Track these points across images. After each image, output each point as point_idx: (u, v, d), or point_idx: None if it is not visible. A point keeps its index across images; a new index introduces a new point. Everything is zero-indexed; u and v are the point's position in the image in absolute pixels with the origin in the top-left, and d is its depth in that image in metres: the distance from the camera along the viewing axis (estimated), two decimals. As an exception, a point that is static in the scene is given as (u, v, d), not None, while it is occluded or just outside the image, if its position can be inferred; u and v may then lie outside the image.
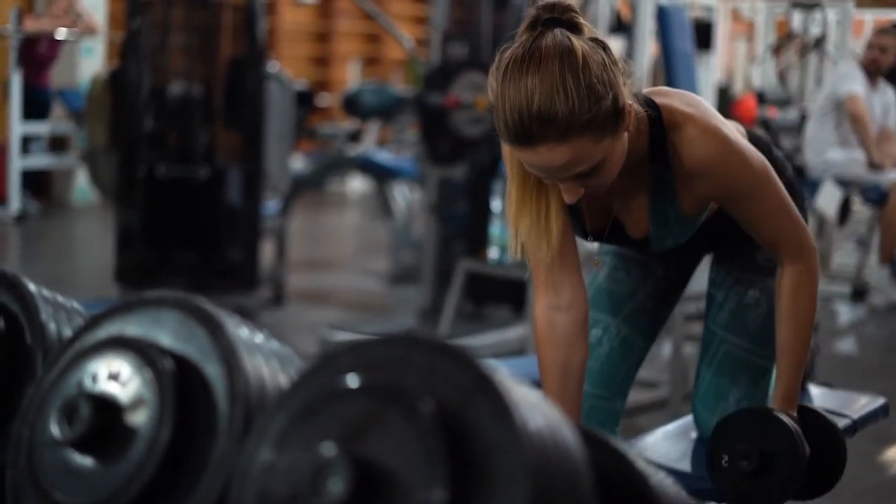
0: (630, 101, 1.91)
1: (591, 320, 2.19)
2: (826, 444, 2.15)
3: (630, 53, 6.08)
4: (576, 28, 1.87)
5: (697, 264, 2.51)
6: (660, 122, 2.01)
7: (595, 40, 1.87)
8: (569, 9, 1.88)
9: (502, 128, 1.85)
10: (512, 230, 2.08)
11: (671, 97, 2.05)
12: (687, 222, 2.14)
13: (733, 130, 2.07)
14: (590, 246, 2.28)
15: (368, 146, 8.96)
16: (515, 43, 1.87)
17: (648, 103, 2.01)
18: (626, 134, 1.93)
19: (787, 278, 2.14)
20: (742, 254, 2.36)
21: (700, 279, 2.51)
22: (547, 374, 2.12)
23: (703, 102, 2.09)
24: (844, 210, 6.93)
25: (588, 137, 1.83)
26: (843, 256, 7.89)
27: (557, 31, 1.84)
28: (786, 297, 2.14)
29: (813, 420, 2.17)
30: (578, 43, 1.83)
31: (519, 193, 2.04)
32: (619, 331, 2.38)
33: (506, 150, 2.03)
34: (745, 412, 2.18)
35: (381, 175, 7.65)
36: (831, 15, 9.78)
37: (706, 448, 2.16)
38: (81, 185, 10.19)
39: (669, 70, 6.04)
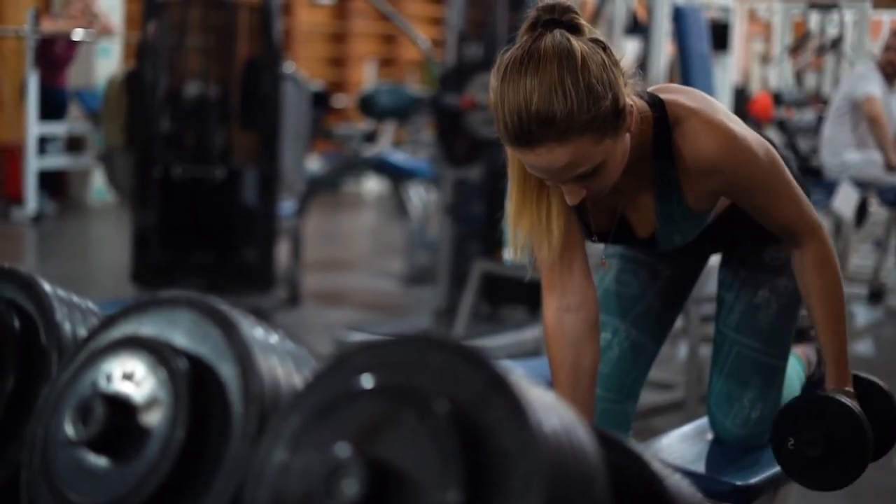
0: (631, 101, 1.90)
1: (599, 323, 2.18)
2: (883, 409, 2.21)
3: (646, 54, 6.08)
4: (576, 29, 1.86)
5: (704, 264, 2.50)
6: (664, 119, 2.00)
7: (595, 41, 1.86)
8: (568, 10, 1.87)
9: (502, 129, 1.85)
10: (512, 232, 2.07)
11: (677, 93, 2.04)
12: (694, 219, 2.13)
13: (739, 123, 2.05)
14: (597, 247, 2.27)
15: (384, 147, 8.96)
16: (515, 44, 1.87)
17: (654, 100, 2.01)
18: (627, 135, 1.92)
19: (807, 259, 2.13)
20: (750, 253, 2.36)
21: (714, 281, 2.51)
22: (558, 375, 2.11)
23: (709, 99, 2.07)
24: (861, 212, 6.89)
25: (588, 138, 1.83)
26: (861, 258, 7.86)
27: (557, 32, 1.84)
28: (811, 278, 2.14)
29: (867, 388, 2.22)
30: (577, 44, 1.82)
31: (519, 195, 2.04)
32: (629, 333, 2.37)
33: (508, 150, 2.03)
34: (806, 398, 2.20)
35: (397, 176, 7.66)
36: (848, 16, 9.75)
37: (770, 431, 2.19)
38: (98, 185, 10.22)
39: (686, 71, 6.04)
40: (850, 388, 2.16)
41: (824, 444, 2.11)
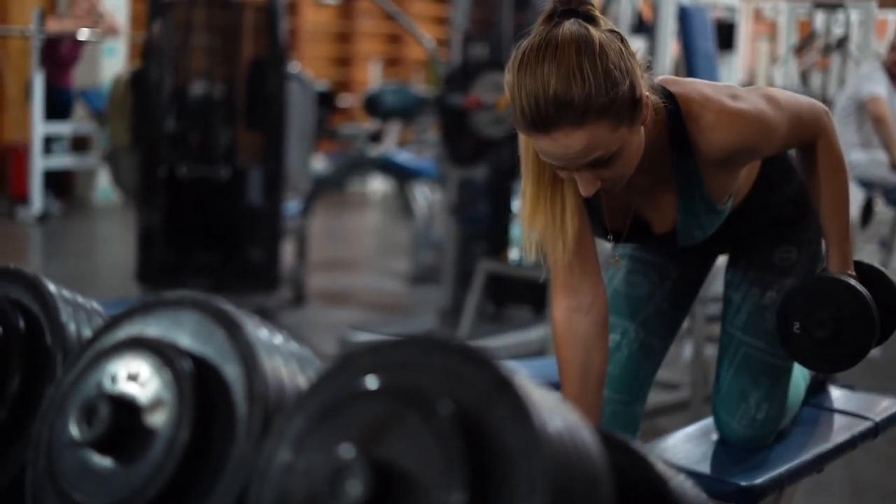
0: (647, 93, 1.91)
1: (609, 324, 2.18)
2: (883, 294, 2.23)
3: (652, 53, 6.07)
4: (592, 20, 1.87)
5: (712, 265, 2.51)
6: (677, 112, 2.01)
7: (612, 31, 1.87)
8: (584, 1, 1.88)
9: (518, 115, 1.85)
10: (526, 230, 2.07)
11: (684, 85, 2.05)
12: (715, 211, 2.14)
13: (741, 97, 2.06)
14: (606, 246, 2.27)
15: (389, 147, 8.96)
16: (532, 34, 1.87)
17: (665, 94, 2.01)
18: (642, 128, 1.92)
19: (813, 151, 2.19)
20: (758, 252, 2.35)
21: (720, 281, 2.51)
22: (567, 376, 2.11)
23: (710, 85, 2.08)
24: (867, 212, 6.88)
25: (605, 124, 1.83)
26: (866, 258, 7.81)
27: (574, 20, 1.84)
28: (819, 165, 2.19)
29: (867, 272, 2.27)
30: (595, 32, 1.84)
31: (533, 192, 2.03)
32: (638, 335, 2.37)
33: (522, 147, 2.03)
34: (811, 281, 2.23)
35: (402, 175, 7.66)
36: (854, 15, 9.72)
37: (776, 316, 2.23)
38: (103, 185, 10.23)
39: (691, 70, 6.03)
40: (852, 272, 2.21)
41: (832, 325, 2.14)
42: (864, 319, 2.15)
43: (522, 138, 2.02)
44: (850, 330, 2.15)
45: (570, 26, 1.83)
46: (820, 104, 2.20)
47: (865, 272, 2.26)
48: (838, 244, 2.23)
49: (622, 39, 1.88)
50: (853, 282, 2.18)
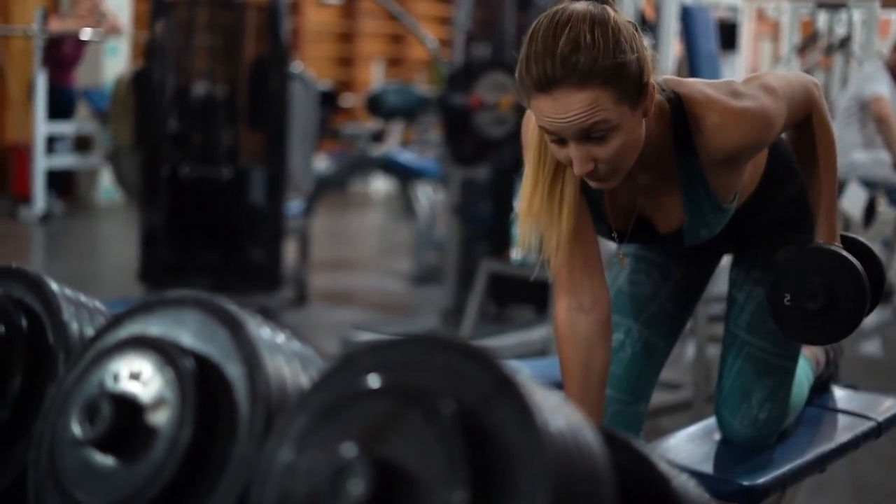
0: (654, 83, 1.92)
1: (612, 324, 2.18)
2: (868, 266, 2.21)
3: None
4: (610, 6, 1.90)
5: (716, 265, 2.50)
6: (682, 112, 2.01)
7: (629, 21, 1.90)
8: None
9: (525, 76, 1.87)
10: (523, 223, 2.07)
11: (687, 86, 2.05)
12: (721, 209, 2.14)
13: (741, 93, 2.06)
14: (611, 246, 2.27)
15: (392, 146, 8.96)
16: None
17: (671, 94, 2.02)
18: (644, 121, 1.92)
19: (808, 124, 2.20)
20: (762, 251, 2.35)
21: (723, 280, 2.50)
22: (569, 375, 2.11)
23: (711, 84, 2.08)
24: (870, 211, 6.87)
25: (608, 92, 1.84)
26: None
27: (591, 2, 1.88)
28: (816, 137, 2.20)
29: (852, 245, 2.26)
30: (611, 11, 1.87)
31: (532, 183, 2.04)
32: (641, 334, 2.37)
33: (525, 138, 2.03)
34: (801, 252, 2.23)
35: (405, 175, 7.65)
36: (857, 15, 9.71)
37: (768, 293, 2.21)
38: (106, 184, 10.23)
39: (694, 70, 6.03)
40: (839, 244, 2.22)
41: (824, 295, 2.13)
42: (855, 286, 2.14)
43: (525, 130, 2.03)
44: (841, 298, 2.14)
45: (586, 4, 1.87)
46: (808, 77, 2.21)
47: (851, 245, 2.26)
48: (828, 216, 2.23)
49: (637, 29, 1.91)
50: (842, 251, 2.18)
